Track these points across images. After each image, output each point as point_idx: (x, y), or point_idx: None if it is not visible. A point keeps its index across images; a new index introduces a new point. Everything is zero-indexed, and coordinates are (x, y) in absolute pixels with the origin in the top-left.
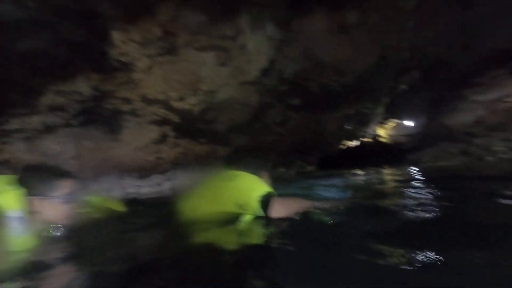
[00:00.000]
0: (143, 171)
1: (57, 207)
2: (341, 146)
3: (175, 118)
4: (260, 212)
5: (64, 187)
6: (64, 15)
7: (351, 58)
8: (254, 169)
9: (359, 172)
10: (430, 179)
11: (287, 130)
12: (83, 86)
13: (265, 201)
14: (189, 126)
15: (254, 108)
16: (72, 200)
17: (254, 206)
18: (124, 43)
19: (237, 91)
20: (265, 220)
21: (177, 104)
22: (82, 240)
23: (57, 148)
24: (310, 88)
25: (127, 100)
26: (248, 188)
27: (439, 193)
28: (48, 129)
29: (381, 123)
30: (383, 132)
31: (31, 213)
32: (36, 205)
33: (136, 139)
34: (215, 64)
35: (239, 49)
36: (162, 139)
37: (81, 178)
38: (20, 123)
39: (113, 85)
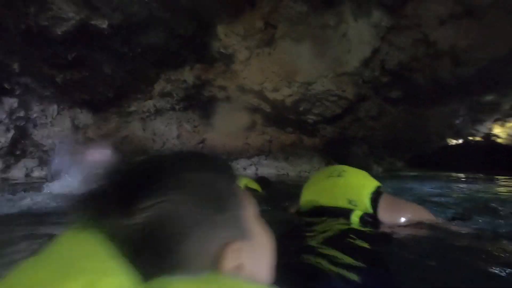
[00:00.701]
0: (231, 155)
1: None
2: (441, 144)
3: (266, 108)
4: (371, 210)
5: None
6: (177, 12)
7: (478, 46)
8: (358, 163)
9: (461, 176)
10: None
11: (381, 125)
12: (188, 75)
13: (375, 199)
14: (278, 116)
15: (349, 100)
16: None
17: (366, 203)
18: (227, 36)
19: (333, 83)
20: (376, 221)
21: (270, 95)
22: None
23: (164, 128)
24: (416, 79)
25: (223, 88)
26: (359, 185)
27: None
28: (158, 112)
29: (502, 120)
30: (502, 131)
31: None
32: None
33: (228, 125)
34: (312, 55)
35: (339, 39)
36: (251, 126)
37: None
38: (138, 106)
39: (212, 74)
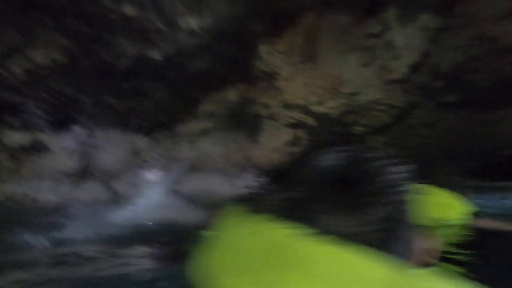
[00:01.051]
0: (277, 171)
1: None
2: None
3: (311, 122)
4: (461, 233)
5: None
6: (221, 38)
7: None
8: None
9: None
10: None
11: (436, 133)
12: (231, 94)
13: (467, 220)
14: (324, 129)
15: (399, 108)
16: None
17: (454, 225)
18: (269, 55)
19: (381, 91)
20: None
21: (315, 108)
22: None
23: (210, 148)
24: (476, 81)
25: (266, 106)
26: (446, 205)
27: None
28: (204, 132)
29: None
30: None
31: None
32: None
33: (272, 141)
34: (358, 65)
35: (385, 46)
36: (295, 141)
37: (227, 174)
38: (186, 128)
39: (255, 92)
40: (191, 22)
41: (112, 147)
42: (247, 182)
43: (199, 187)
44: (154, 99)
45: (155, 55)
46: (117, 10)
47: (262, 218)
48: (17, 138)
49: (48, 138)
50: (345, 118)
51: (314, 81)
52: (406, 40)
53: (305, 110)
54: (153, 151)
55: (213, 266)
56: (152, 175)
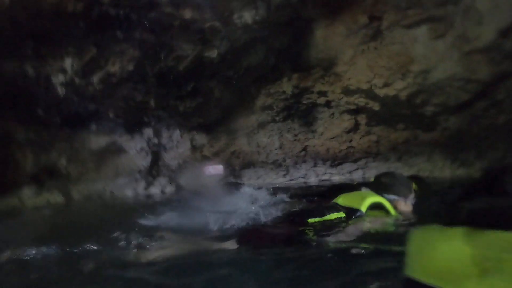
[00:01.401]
0: (335, 160)
1: None
2: None
3: (373, 106)
4: None
5: None
6: (275, 29)
7: None
8: None
9: None
10: None
11: None
12: (286, 86)
13: None
14: (387, 113)
15: (480, 83)
16: None
17: None
18: (326, 39)
19: (459, 65)
20: None
21: (380, 91)
22: None
23: (266, 141)
24: None
25: (323, 94)
26: None
27: None
28: (260, 125)
29: None
30: None
31: None
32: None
33: (329, 130)
34: (430, 39)
35: (462, 13)
36: (354, 128)
37: (284, 166)
38: (242, 122)
39: (311, 81)
40: (247, 16)
41: (175, 145)
42: (304, 173)
43: (257, 179)
44: (212, 98)
45: (212, 54)
46: (177, 14)
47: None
48: (98, 141)
49: (123, 140)
50: (414, 99)
51: (380, 62)
52: (494, 2)
53: (368, 94)
54: (212, 147)
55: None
56: (212, 170)
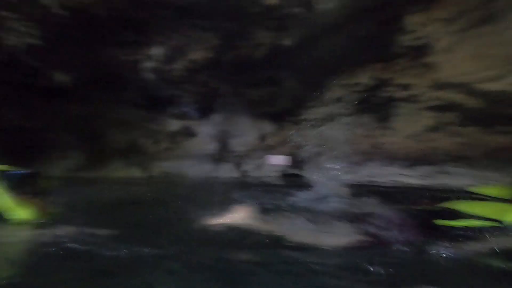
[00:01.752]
0: (410, 160)
1: None
2: None
3: (468, 102)
4: None
5: None
6: (360, 15)
7: None
8: None
9: None
10: None
11: None
12: (362, 77)
13: None
14: (485, 111)
15: None
16: None
17: None
18: (421, 26)
19: None
20: None
21: (484, 86)
22: None
23: (333, 134)
24: None
25: (405, 87)
26: None
27: None
28: (329, 118)
29: None
30: None
31: None
32: None
33: (407, 127)
34: None
35: None
36: (439, 126)
37: (350, 162)
38: (310, 113)
39: (392, 72)
40: (329, 1)
41: (242, 132)
42: (372, 171)
43: (320, 174)
44: (284, 87)
45: (288, 41)
46: (259, 1)
47: None
48: (174, 125)
49: (195, 124)
50: None
51: (488, 51)
52: None
53: (465, 88)
54: (278, 137)
55: None
56: (276, 159)
